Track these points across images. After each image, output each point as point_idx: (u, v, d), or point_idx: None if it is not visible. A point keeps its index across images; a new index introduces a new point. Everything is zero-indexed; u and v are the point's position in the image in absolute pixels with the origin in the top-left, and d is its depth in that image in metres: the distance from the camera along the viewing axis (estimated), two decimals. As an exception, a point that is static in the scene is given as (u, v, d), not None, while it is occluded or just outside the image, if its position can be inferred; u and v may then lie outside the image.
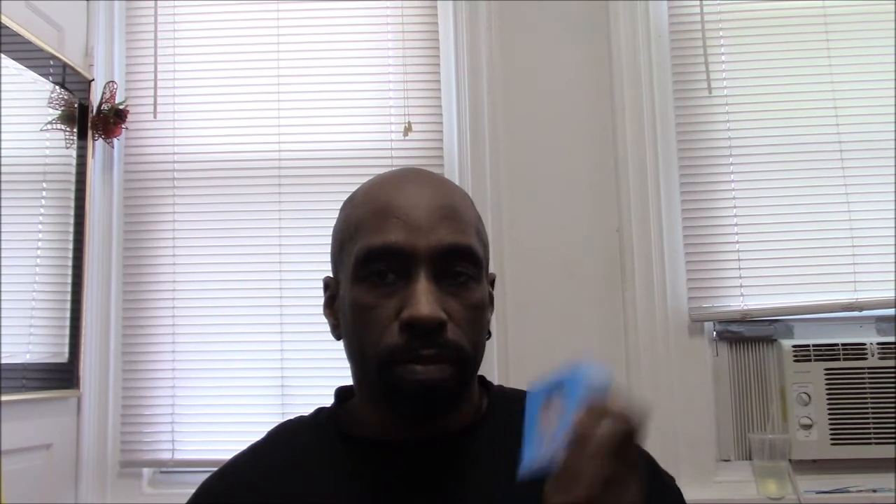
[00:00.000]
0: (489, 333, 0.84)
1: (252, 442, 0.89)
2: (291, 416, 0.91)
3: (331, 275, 0.86)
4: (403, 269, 0.75)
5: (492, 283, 0.86)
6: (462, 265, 0.76)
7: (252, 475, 0.84)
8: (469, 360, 0.77)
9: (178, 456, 2.04)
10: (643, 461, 0.84)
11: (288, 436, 0.88)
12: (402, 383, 0.74)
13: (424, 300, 0.73)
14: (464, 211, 0.80)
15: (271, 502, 0.81)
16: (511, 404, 0.84)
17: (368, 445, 0.81)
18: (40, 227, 1.91)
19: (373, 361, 0.76)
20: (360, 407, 0.84)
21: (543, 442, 0.64)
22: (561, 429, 0.62)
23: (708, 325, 2.03)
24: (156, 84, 2.16)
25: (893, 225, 1.98)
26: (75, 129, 2.03)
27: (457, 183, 2.03)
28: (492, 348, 1.97)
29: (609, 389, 0.64)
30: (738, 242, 2.03)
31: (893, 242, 1.97)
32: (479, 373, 0.91)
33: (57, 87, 1.96)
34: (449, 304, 0.75)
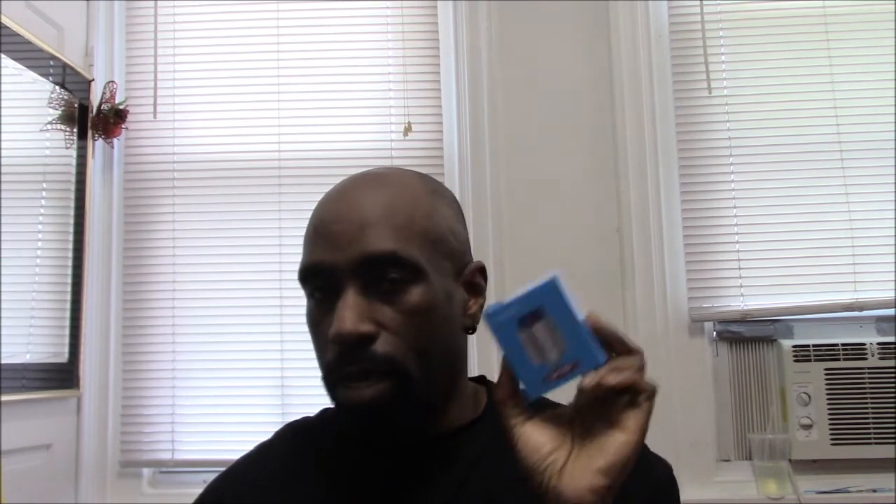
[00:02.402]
0: (472, 329, 0.82)
1: (257, 442, 0.89)
2: (291, 417, 0.91)
3: None
4: (334, 285, 0.74)
5: (480, 270, 0.83)
6: (394, 271, 0.74)
7: (257, 475, 0.84)
8: (407, 370, 0.73)
9: (178, 456, 2.03)
10: None
11: (293, 436, 0.88)
12: (341, 404, 0.75)
13: (346, 315, 0.71)
14: (396, 214, 0.76)
15: (274, 502, 0.81)
16: None
17: (368, 446, 0.82)
18: (40, 227, 1.91)
19: (323, 378, 0.77)
20: None
21: (550, 362, 0.66)
22: (575, 337, 0.65)
23: (708, 325, 2.03)
24: (156, 84, 2.16)
25: (893, 225, 1.98)
26: (75, 129, 2.03)
27: (456, 183, 2.06)
28: (492, 347, 1.97)
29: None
30: (738, 242, 2.03)
31: (893, 242, 1.97)
32: (481, 372, 0.91)
33: (57, 87, 1.96)
34: (382, 314, 0.73)
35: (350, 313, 0.72)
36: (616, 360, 0.65)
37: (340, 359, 0.73)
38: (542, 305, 0.66)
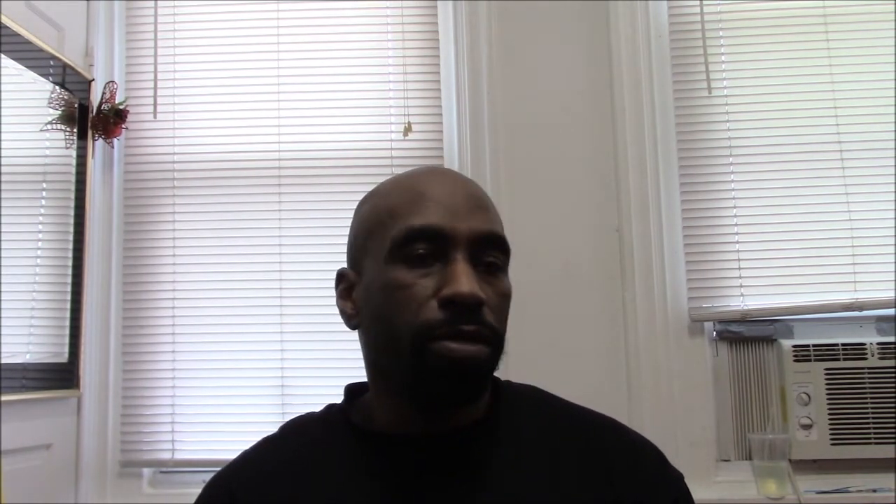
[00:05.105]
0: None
1: (257, 441, 0.89)
2: (291, 416, 0.91)
3: (341, 268, 0.87)
4: (441, 250, 0.77)
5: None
6: (494, 254, 0.80)
7: (266, 467, 0.84)
8: (502, 344, 0.79)
9: (178, 456, 2.04)
10: (653, 455, 0.85)
11: (301, 430, 0.88)
12: (438, 360, 0.74)
13: (466, 279, 0.75)
14: (492, 206, 0.84)
15: (285, 495, 0.81)
16: (519, 399, 0.87)
17: (381, 439, 0.82)
18: (40, 227, 1.91)
19: (406, 338, 0.76)
20: (374, 401, 0.84)
21: None
22: None
23: (708, 325, 2.03)
24: (156, 84, 2.16)
25: (893, 225, 1.98)
26: (75, 129, 2.03)
27: (457, 183, 2.06)
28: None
29: None
30: (738, 242, 2.03)
31: (893, 242, 1.97)
32: None
33: (57, 87, 1.96)
34: (484, 289, 0.78)
35: (468, 279, 0.75)
36: None
37: (454, 317, 0.75)
38: None
